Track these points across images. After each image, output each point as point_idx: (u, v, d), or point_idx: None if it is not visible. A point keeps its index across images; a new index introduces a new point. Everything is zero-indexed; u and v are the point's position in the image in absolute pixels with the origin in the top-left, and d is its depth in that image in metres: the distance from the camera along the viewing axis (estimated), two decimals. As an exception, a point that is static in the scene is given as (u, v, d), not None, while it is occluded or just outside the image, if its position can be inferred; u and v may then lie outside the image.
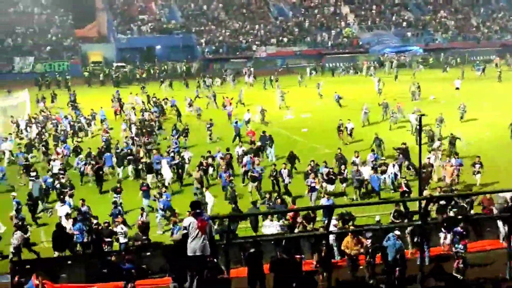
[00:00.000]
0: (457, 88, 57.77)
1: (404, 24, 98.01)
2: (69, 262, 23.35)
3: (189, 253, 12.76)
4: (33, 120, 49.26)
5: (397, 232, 18.73)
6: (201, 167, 32.48)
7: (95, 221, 25.54)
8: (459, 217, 22.18)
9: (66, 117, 50.16)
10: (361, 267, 19.38)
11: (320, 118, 49.48)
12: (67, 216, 26.11)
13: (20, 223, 25.49)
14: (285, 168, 31.59)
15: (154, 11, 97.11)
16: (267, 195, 28.78)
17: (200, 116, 50.41)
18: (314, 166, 31.32)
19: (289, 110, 52.02)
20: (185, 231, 12.92)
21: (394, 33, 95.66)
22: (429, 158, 31.87)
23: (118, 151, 37.59)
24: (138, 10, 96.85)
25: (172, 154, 35.58)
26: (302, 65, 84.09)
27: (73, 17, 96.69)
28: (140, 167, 35.53)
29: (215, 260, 12.68)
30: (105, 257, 22.95)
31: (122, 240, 24.88)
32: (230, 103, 51.78)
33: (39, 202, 30.22)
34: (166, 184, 32.79)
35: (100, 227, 25.12)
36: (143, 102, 56.38)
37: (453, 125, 41.94)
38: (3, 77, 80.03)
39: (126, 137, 42.67)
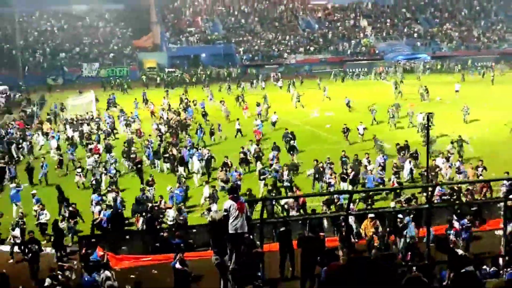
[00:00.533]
0: (457, 91, 56.98)
1: (415, 35, 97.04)
2: (127, 237, 23.78)
3: (230, 231, 12.93)
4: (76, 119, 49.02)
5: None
6: (224, 168, 31.49)
7: (150, 204, 26.03)
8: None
9: (109, 117, 49.39)
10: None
11: (342, 116, 49.32)
12: (97, 203, 26.33)
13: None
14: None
15: (200, 24, 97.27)
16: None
17: (228, 117, 49.46)
18: (328, 164, 30.70)
19: (315, 109, 51.98)
20: (225, 213, 13.10)
21: (405, 43, 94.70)
22: (434, 160, 31.06)
23: (150, 146, 37.49)
24: (187, 23, 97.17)
25: (200, 151, 34.69)
26: (326, 70, 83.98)
27: (131, 30, 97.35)
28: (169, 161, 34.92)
29: (251, 236, 12.84)
30: (158, 233, 23.35)
31: (170, 220, 25.25)
32: (247, 107, 51.12)
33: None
34: (195, 177, 32.73)
35: (154, 209, 25.56)
36: (169, 104, 54.51)
37: (457, 125, 41.72)
38: (73, 81, 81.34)
39: (158, 135, 41.49)
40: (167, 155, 35.25)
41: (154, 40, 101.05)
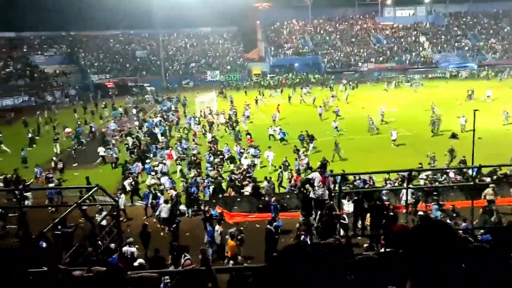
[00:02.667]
0: (488, 96, 51.99)
1: (466, 48, 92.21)
2: (239, 199, 24.16)
3: (314, 197, 12.85)
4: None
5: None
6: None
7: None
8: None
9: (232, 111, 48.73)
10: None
11: (404, 112, 47.90)
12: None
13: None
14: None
15: (294, 41, 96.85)
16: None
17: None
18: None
19: (382, 106, 50.59)
20: (308, 179, 12.97)
21: (456, 54, 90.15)
22: None
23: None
24: (284, 40, 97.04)
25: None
26: (391, 76, 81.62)
27: (243, 46, 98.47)
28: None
29: (331, 202, 12.66)
30: (261, 197, 23.58)
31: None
32: (278, 110, 46.80)
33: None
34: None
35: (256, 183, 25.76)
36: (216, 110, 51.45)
37: (497, 127, 39.30)
38: (200, 83, 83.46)
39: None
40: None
41: (259, 53, 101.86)
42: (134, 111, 54.24)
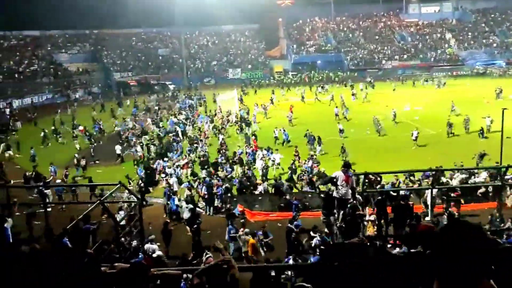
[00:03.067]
0: None
1: (494, 45, 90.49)
2: (260, 198, 24.17)
3: (337, 196, 12.76)
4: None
5: None
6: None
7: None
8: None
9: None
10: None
11: (428, 110, 47.26)
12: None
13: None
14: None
15: (317, 38, 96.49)
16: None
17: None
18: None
19: (406, 104, 50.15)
20: (332, 177, 12.90)
21: (484, 51, 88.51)
22: None
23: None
24: (306, 38, 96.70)
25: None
26: (415, 73, 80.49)
27: (265, 43, 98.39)
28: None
29: (354, 201, 12.57)
30: (282, 196, 23.55)
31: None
32: (291, 111, 45.78)
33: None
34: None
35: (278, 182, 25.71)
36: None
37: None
38: (222, 81, 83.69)
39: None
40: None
41: (281, 51, 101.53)
42: (156, 109, 54.81)
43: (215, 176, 27.25)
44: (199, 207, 22.93)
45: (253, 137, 36.36)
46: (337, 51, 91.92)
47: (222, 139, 37.19)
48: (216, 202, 23.94)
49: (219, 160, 30.93)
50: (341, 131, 38.20)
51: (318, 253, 14.03)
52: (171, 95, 69.04)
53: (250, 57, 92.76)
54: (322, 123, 41.60)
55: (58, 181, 27.25)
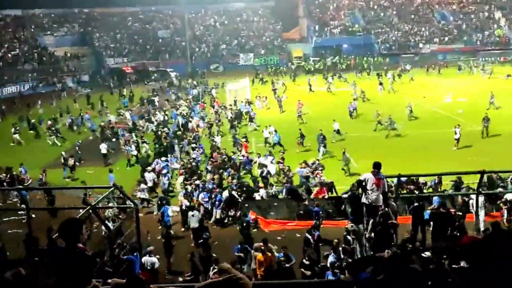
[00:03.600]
0: None
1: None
2: (276, 204, 24.06)
3: (366, 202, 12.70)
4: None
5: None
6: None
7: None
8: None
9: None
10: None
11: (475, 101, 46.69)
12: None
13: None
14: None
15: (342, 17, 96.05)
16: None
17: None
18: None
19: (448, 95, 49.74)
20: (360, 181, 12.83)
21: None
22: None
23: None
24: (330, 17, 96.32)
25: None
26: (457, 59, 79.84)
27: (282, 24, 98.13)
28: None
29: (386, 209, 12.53)
30: (301, 201, 23.49)
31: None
32: (302, 104, 45.14)
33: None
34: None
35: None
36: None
37: None
38: (231, 68, 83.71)
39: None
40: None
41: (301, 33, 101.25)
42: (157, 99, 55.20)
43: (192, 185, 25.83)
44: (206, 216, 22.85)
45: (244, 139, 35.28)
46: (366, 33, 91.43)
47: (213, 140, 36.70)
48: (216, 212, 23.39)
49: (207, 167, 30.15)
50: (337, 131, 36.87)
51: (332, 271, 14.05)
52: (172, 84, 69.23)
53: (264, 40, 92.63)
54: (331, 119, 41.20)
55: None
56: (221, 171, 28.30)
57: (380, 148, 33.19)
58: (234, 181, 26.18)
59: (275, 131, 36.40)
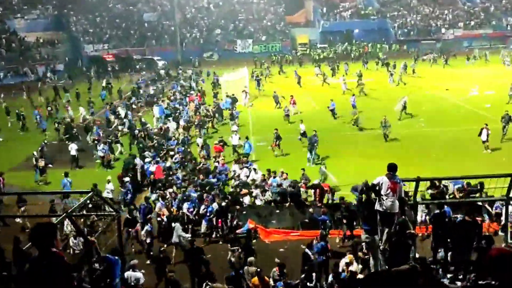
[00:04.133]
0: None
1: None
2: (278, 211, 24.07)
3: (380, 209, 12.67)
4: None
5: None
6: None
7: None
8: None
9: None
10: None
11: (504, 94, 46.55)
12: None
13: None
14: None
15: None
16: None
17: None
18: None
19: (474, 88, 49.81)
20: (370, 186, 12.79)
21: None
22: None
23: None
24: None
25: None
26: (485, 46, 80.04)
27: (285, 6, 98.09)
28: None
29: (403, 217, 12.50)
30: (305, 208, 23.51)
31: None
32: (295, 102, 44.91)
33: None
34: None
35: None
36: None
37: None
38: (228, 56, 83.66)
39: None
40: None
41: (306, 16, 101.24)
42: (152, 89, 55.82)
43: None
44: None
45: (220, 143, 34.19)
46: (381, 16, 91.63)
47: (188, 140, 36.59)
48: (204, 225, 23.02)
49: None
50: (302, 134, 35.49)
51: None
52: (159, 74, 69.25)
53: (265, 24, 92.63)
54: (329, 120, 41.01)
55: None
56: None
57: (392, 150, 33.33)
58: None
59: (247, 138, 34.63)
